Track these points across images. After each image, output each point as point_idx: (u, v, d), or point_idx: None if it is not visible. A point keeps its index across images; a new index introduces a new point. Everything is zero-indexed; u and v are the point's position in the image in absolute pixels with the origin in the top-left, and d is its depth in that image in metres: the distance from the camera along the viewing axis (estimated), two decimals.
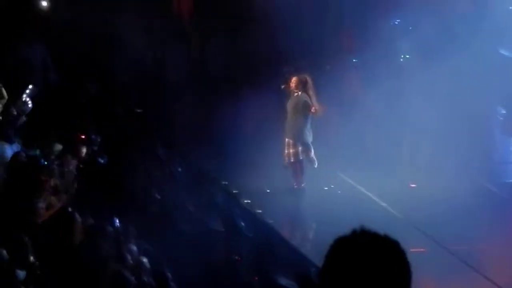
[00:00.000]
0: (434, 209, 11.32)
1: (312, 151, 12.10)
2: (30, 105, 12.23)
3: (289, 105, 12.14)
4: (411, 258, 2.33)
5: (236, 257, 9.83)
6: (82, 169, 10.76)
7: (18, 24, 14.52)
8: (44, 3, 15.82)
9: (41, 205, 9.27)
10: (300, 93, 12.06)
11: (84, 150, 11.06)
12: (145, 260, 8.76)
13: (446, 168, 12.76)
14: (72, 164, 10.68)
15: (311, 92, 12.05)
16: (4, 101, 12.07)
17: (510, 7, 15.75)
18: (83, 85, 14.07)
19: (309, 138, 12.08)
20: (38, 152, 11.30)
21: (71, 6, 15.65)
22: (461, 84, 13.21)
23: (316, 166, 12.11)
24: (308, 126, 12.05)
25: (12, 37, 14.39)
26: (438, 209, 11.30)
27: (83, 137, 11.26)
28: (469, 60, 14.06)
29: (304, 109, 11.95)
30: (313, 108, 11.89)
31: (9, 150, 11.12)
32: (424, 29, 15.50)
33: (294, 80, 12.16)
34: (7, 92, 12.39)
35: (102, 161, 11.40)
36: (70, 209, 9.06)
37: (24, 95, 12.27)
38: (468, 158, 12.78)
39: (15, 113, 12.32)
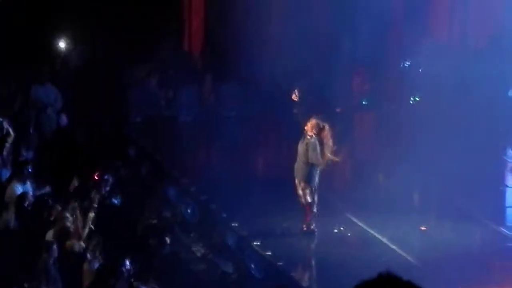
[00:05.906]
0: (445, 252, 11.27)
1: (316, 195, 11.89)
2: None
3: (300, 146, 11.96)
4: None
5: None
6: (93, 210, 10.77)
7: (33, 64, 14.66)
8: (60, 45, 16.00)
9: (54, 246, 9.31)
10: (313, 137, 11.82)
11: (96, 191, 11.08)
12: None
13: (457, 211, 12.73)
14: (83, 206, 10.71)
15: (325, 140, 11.77)
16: (10, 138, 12.17)
17: None
18: (94, 126, 14.15)
19: (316, 180, 11.87)
20: (48, 192, 11.36)
21: (85, 48, 15.81)
22: (471, 126, 13.22)
23: (316, 211, 11.92)
24: (316, 168, 11.88)
25: (26, 76, 14.52)
26: (448, 252, 11.26)
27: (96, 177, 11.29)
28: (478, 102, 14.10)
29: (311, 155, 11.73)
30: (320, 160, 11.69)
31: (21, 190, 11.18)
32: (434, 71, 15.56)
33: (311, 122, 11.80)
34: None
35: (115, 201, 11.42)
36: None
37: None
38: (480, 201, 12.74)
39: (24, 152, 12.41)
